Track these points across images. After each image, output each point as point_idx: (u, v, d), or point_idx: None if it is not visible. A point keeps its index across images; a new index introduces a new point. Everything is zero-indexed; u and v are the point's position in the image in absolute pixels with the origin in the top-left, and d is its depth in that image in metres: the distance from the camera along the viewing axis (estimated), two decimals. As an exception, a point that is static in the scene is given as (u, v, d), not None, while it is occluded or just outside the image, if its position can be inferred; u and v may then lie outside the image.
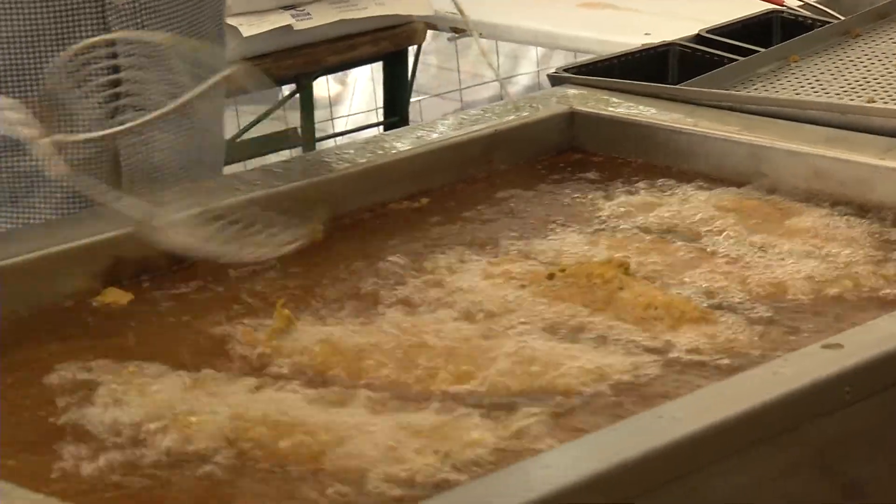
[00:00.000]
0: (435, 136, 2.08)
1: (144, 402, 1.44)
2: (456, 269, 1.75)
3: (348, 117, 5.08)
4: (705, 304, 1.60)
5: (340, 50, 4.01)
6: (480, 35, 4.02)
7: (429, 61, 4.74)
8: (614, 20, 3.56)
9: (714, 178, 1.95)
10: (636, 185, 1.96)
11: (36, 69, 2.13)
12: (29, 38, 2.14)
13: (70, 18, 2.13)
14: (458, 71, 5.06)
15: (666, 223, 1.84)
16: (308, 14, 3.79)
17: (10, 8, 2.13)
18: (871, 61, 2.43)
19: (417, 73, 4.47)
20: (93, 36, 2.10)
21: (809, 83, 2.30)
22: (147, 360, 1.56)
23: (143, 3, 2.21)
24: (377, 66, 4.72)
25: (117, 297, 1.77)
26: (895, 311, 1.52)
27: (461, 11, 3.45)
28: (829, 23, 2.55)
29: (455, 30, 3.98)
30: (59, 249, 1.79)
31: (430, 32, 4.11)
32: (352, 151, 2.09)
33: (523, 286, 1.67)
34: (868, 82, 2.33)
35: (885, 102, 2.19)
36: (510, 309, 1.62)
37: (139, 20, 2.18)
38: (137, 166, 2.22)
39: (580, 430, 1.30)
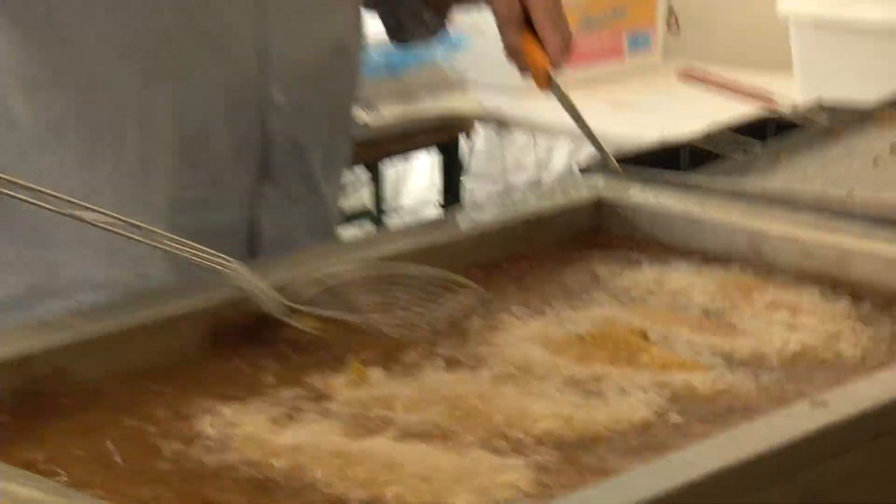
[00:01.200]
0: (486, 217, 2.06)
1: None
2: (499, 329, 1.71)
3: (411, 196, 5.12)
4: (710, 362, 1.56)
5: (405, 140, 4.03)
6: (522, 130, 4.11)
7: (478, 148, 4.78)
8: (636, 120, 3.58)
9: (719, 258, 1.91)
10: (653, 262, 1.92)
11: (196, 160, 2.05)
12: (193, 136, 2.04)
13: (232, 116, 2.06)
14: (503, 158, 5.09)
15: (678, 296, 1.80)
16: (380, 112, 3.75)
17: (176, 111, 2.01)
18: (850, 158, 2.39)
19: (469, 159, 4.46)
20: (253, 132, 2.08)
21: (798, 176, 2.26)
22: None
23: (299, 103, 2.15)
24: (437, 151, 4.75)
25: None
26: (872, 376, 1.50)
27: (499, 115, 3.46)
28: (815, 123, 2.54)
29: (500, 124, 4.01)
30: (171, 312, 1.67)
31: (479, 125, 4.13)
32: (416, 228, 2.09)
33: (557, 347, 1.63)
34: (849, 175, 2.28)
35: (862, 193, 2.15)
36: (544, 366, 1.58)
37: (294, 119, 2.15)
38: (275, 239, 2.16)
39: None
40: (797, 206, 1.99)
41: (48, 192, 1.64)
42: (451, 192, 4.29)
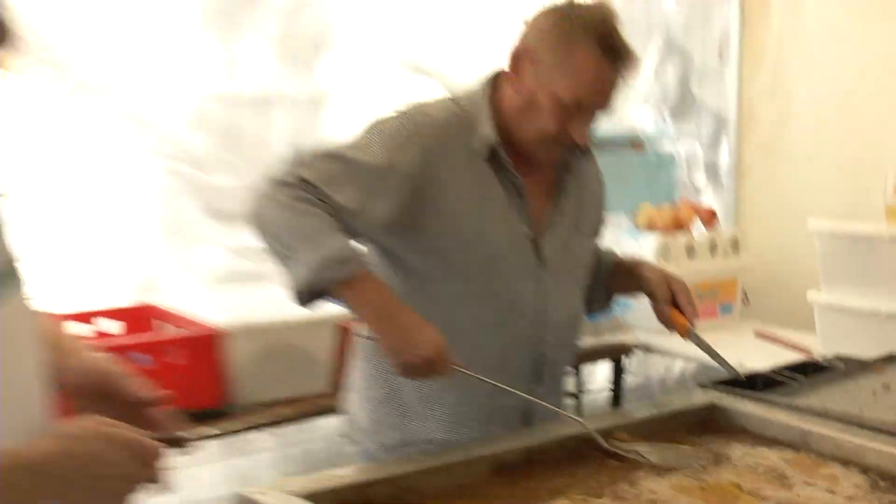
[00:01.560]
0: (635, 415, 2.25)
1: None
2: (650, 479, 1.90)
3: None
4: None
5: (594, 355, 4.10)
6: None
7: (635, 364, 4.85)
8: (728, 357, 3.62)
9: (783, 445, 2.11)
10: (743, 443, 2.11)
11: (502, 371, 2.26)
12: (502, 357, 2.33)
13: (524, 347, 2.37)
14: (649, 371, 5.21)
15: (758, 465, 2.00)
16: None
17: (494, 343, 2.33)
18: (858, 391, 2.50)
19: (630, 367, 4.53)
20: (533, 357, 2.37)
21: (827, 399, 2.37)
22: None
23: (560, 340, 2.43)
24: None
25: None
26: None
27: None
28: (836, 367, 2.65)
29: (647, 349, 4.15)
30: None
31: (636, 350, 4.21)
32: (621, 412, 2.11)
33: (683, 493, 1.84)
34: (858, 400, 2.41)
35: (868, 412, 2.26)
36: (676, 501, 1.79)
37: (557, 349, 2.42)
38: (554, 365, 2.43)
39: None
40: (828, 416, 2.18)
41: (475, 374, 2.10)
42: (617, 387, 4.31)
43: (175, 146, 3.78)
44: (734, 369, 2.49)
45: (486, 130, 2.27)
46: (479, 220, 2.28)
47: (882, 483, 1.92)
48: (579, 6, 2.24)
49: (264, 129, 3.92)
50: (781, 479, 1.95)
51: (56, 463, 1.24)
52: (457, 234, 2.26)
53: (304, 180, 2.15)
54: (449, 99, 2.38)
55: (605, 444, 2.03)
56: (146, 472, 1.32)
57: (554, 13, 2.24)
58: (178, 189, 3.77)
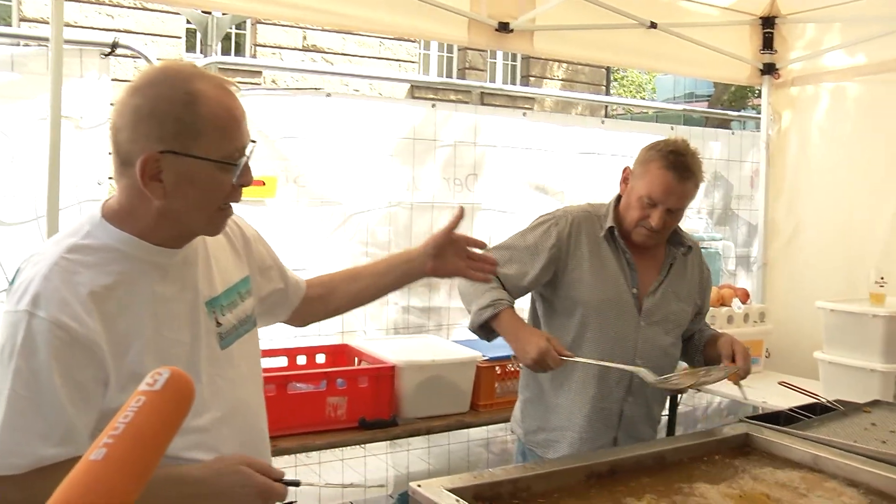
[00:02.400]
0: (690, 440, 2.15)
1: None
2: (687, 491, 1.81)
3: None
4: None
5: None
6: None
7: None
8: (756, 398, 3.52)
9: (800, 466, 2.02)
10: (771, 464, 2.03)
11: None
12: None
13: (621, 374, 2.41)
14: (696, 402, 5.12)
15: (781, 480, 1.92)
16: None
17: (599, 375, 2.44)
18: (853, 426, 2.39)
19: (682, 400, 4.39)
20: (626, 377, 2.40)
21: (831, 432, 2.28)
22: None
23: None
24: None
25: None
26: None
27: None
28: (837, 408, 2.54)
29: (696, 388, 4.10)
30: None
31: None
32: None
33: (727, 498, 1.78)
34: (853, 434, 2.30)
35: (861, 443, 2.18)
36: None
37: (650, 362, 2.40)
38: (641, 383, 2.36)
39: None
40: (832, 445, 2.12)
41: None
42: (672, 414, 3.94)
43: (370, 235, 3.92)
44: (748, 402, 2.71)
45: (608, 221, 2.44)
46: (597, 280, 2.42)
47: (871, 496, 1.86)
48: (665, 141, 2.39)
49: (433, 226, 3.99)
50: (797, 491, 1.88)
51: (207, 482, 1.37)
52: (582, 288, 2.41)
53: None
54: (587, 203, 2.56)
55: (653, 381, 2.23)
56: (261, 500, 1.41)
57: (648, 146, 2.42)
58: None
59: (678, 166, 2.32)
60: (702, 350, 2.59)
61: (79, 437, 1.37)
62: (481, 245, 1.98)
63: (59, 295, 1.37)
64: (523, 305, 2.52)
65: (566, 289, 2.44)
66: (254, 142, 1.49)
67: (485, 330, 2.35)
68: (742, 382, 2.38)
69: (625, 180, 2.47)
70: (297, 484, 1.42)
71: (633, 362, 2.37)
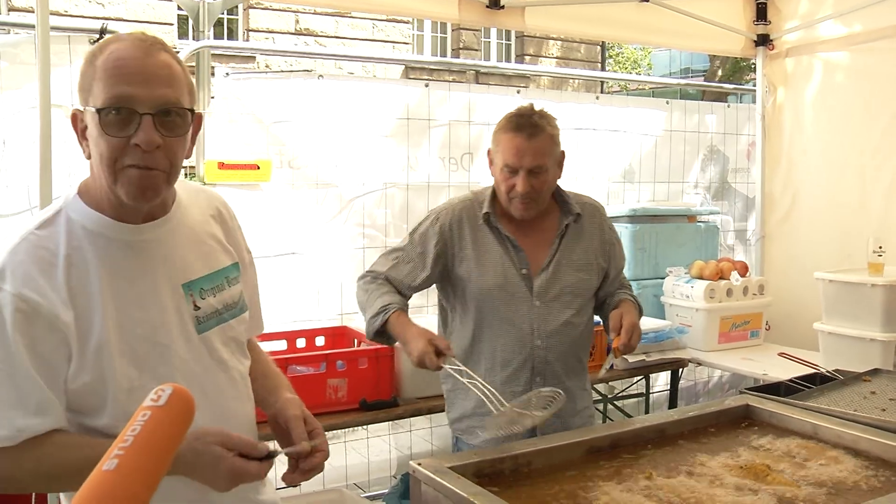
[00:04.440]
0: (691, 412, 2.14)
1: None
2: (704, 456, 1.81)
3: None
4: (798, 481, 1.72)
5: (654, 368, 4.01)
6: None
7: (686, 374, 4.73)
8: (758, 367, 3.57)
9: (800, 435, 2.03)
10: (768, 435, 2.02)
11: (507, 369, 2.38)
12: (507, 358, 2.39)
13: (520, 351, 2.38)
14: (696, 380, 5.14)
15: (781, 450, 1.93)
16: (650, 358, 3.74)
17: (504, 348, 2.39)
18: (852, 395, 2.43)
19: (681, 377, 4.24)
20: (527, 351, 2.35)
21: (831, 401, 2.32)
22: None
23: (549, 346, 2.39)
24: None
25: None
26: (888, 495, 1.67)
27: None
28: (836, 378, 2.58)
29: (698, 363, 4.01)
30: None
31: (690, 364, 3.99)
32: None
33: (728, 470, 1.78)
34: (853, 403, 2.34)
35: (861, 411, 2.21)
36: (723, 479, 1.73)
37: (546, 354, 2.37)
38: (545, 363, 2.39)
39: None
40: (832, 414, 2.13)
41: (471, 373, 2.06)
42: (674, 389, 4.07)
43: (368, 217, 3.94)
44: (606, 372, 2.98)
45: (485, 207, 2.41)
46: (482, 269, 2.39)
47: (871, 463, 1.87)
48: (511, 111, 2.37)
49: (428, 207, 3.91)
50: (798, 461, 1.88)
51: (186, 459, 1.32)
52: (471, 280, 2.39)
53: (370, 271, 2.47)
54: (471, 192, 2.54)
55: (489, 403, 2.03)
56: (232, 485, 1.37)
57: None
58: (368, 245, 3.91)
59: (523, 126, 2.30)
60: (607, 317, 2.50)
61: (54, 408, 1.37)
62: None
63: (24, 269, 1.37)
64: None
65: (457, 283, 2.43)
66: (187, 110, 1.43)
67: (383, 336, 2.33)
68: (746, 356, 2.40)
69: (490, 162, 2.43)
70: (272, 456, 1.38)
71: (532, 344, 2.38)
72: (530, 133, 2.30)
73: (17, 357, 1.34)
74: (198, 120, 1.50)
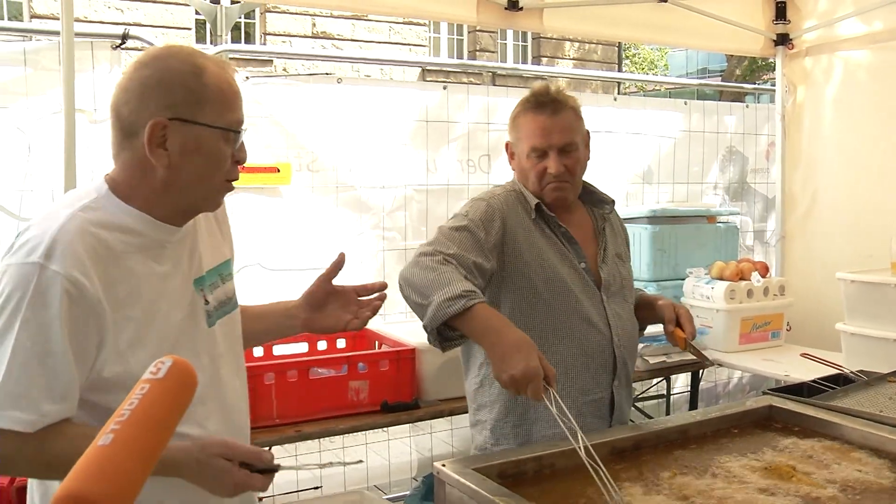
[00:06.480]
0: (713, 413, 2.12)
1: None
2: (712, 464, 1.79)
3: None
4: (823, 483, 1.69)
5: (677, 369, 3.89)
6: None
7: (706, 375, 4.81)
8: (780, 368, 3.53)
9: (824, 436, 2.00)
10: (792, 436, 1.99)
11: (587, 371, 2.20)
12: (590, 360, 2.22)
13: (602, 353, 2.22)
14: (716, 378, 5.18)
15: (806, 451, 1.90)
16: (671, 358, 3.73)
17: (583, 351, 2.20)
18: (877, 396, 2.38)
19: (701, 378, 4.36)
20: (607, 352, 2.22)
21: (855, 402, 2.28)
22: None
23: (625, 346, 2.26)
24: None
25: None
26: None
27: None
28: (860, 379, 2.53)
29: (718, 364, 4.04)
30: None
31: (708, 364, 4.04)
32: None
33: (752, 471, 1.76)
34: (878, 404, 2.30)
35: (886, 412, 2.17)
36: (746, 480, 1.70)
37: (623, 353, 2.26)
38: (624, 363, 2.26)
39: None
40: (856, 415, 2.09)
41: None
42: (694, 390, 4.15)
43: (388, 220, 3.95)
44: (711, 361, 2.68)
45: (531, 198, 2.22)
46: (549, 261, 2.17)
47: None
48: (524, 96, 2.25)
49: (449, 210, 3.96)
50: (823, 462, 1.85)
51: (191, 469, 1.36)
52: (535, 273, 2.15)
53: (439, 251, 2.01)
54: (500, 186, 2.32)
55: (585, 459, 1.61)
56: (236, 494, 1.40)
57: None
58: (388, 248, 3.93)
59: (545, 104, 2.18)
60: (636, 312, 2.39)
61: (74, 395, 1.39)
62: (379, 288, 1.85)
63: (74, 249, 1.38)
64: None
65: (511, 281, 2.15)
66: (245, 129, 1.56)
67: (444, 333, 1.92)
68: (767, 357, 2.36)
69: (511, 156, 2.32)
70: (275, 470, 1.41)
71: (612, 343, 2.23)
72: (554, 109, 2.18)
73: (57, 340, 1.35)
74: None
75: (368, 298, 1.86)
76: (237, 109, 1.52)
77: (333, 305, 1.85)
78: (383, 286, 1.87)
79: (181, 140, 1.46)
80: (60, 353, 1.35)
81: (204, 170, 1.50)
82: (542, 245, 2.19)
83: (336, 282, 1.86)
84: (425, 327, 1.92)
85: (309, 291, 1.86)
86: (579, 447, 1.58)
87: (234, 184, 1.58)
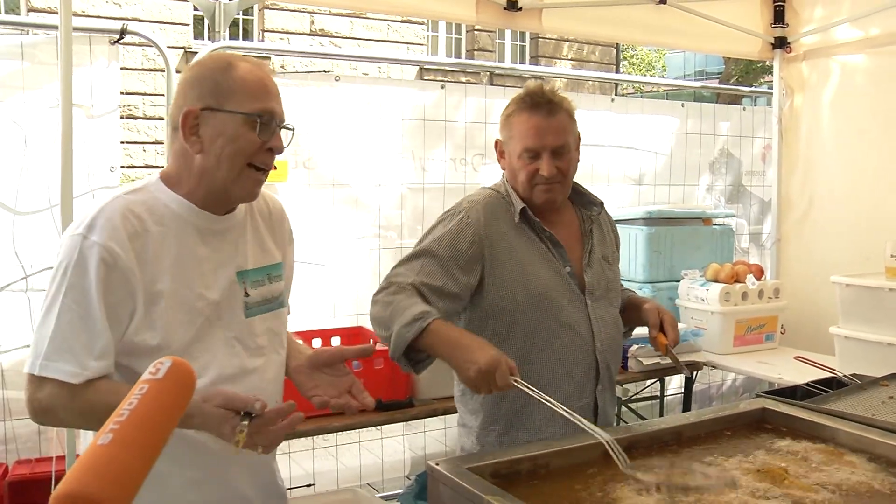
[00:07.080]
0: (707, 415, 2.11)
1: None
2: (723, 459, 1.78)
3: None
4: (814, 486, 1.68)
5: (666, 371, 3.85)
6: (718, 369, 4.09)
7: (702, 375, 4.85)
8: (773, 370, 3.53)
9: (816, 438, 1.99)
10: (786, 438, 1.99)
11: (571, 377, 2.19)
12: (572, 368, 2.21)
13: (584, 358, 2.21)
14: (710, 381, 5.18)
15: (798, 453, 1.90)
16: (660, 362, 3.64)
17: (564, 358, 2.19)
18: (870, 400, 2.38)
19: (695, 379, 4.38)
20: (590, 358, 2.21)
21: (848, 406, 2.28)
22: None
23: (608, 348, 2.26)
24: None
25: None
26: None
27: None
28: (853, 382, 2.54)
29: (712, 366, 3.99)
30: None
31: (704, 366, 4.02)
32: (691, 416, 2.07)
33: (744, 473, 1.75)
34: (870, 407, 2.30)
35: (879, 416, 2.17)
36: (740, 483, 1.69)
37: (606, 356, 2.25)
38: (608, 368, 2.25)
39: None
40: (849, 419, 2.10)
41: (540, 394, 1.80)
42: (688, 392, 4.14)
43: (383, 219, 3.96)
44: (687, 370, 2.56)
45: (517, 202, 2.20)
46: (532, 267, 2.17)
47: (890, 468, 1.83)
48: (518, 94, 2.22)
49: (444, 208, 3.92)
50: (815, 465, 1.85)
51: (196, 419, 1.43)
52: (516, 282, 2.14)
53: (392, 283, 2.08)
54: (484, 188, 2.31)
55: (616, 458, 1.70)
56: (226, 439, 1.45)
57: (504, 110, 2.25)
58: (383, 246, 3.94)
59: (540, 104, 2.15)
60: (622, 313, 2.38)
61: (111, 355, 1.54)
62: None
63: (112, 223, 1.55)
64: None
65: (495, 291, 2.14)
66: (291, 128, 1.67)
67: (409, 357, 1.96)
68: (761, 359, 2.36)
69: (500, 154, 2.28)
70: (250, 415, 1.44)
71: (594, 348, 2.22)
72: (549, 110, 2.15)
73: (94, 303, 1.51)
74: None
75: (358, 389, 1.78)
76: (265, 101, 1.63)
77: (328, 372, 1.82)
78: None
79: (211, 127, 1.60)
80: (98, 316, 1.51)
81: (228, 153, 1.60)
82: (525, 252, 2.18)
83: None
84: (392, 357, 1.98)
85: (318, 352, 1.84)
86: (575, 416, 1.73)
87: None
